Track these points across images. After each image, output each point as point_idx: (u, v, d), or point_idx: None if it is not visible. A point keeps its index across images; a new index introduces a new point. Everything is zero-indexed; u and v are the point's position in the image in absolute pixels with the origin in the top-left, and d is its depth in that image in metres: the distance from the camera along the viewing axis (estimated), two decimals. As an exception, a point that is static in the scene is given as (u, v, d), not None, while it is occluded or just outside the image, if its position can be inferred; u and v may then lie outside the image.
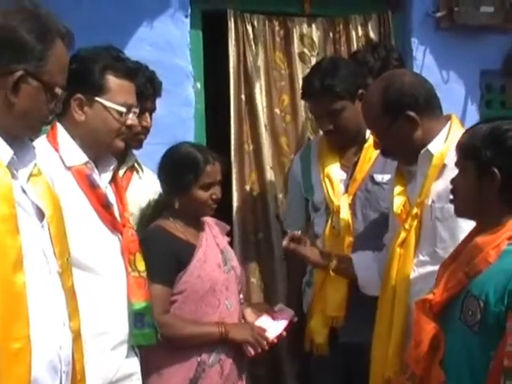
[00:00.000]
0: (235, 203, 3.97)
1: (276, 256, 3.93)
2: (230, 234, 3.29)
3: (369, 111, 2.79)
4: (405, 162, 2.83)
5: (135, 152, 3.18)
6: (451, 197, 2.33)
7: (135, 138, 2.97)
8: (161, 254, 2.87)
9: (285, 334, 3.06)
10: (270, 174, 3.99)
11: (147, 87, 3.02)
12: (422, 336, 2.22)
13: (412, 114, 2.68)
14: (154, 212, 3.10)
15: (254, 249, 3.97)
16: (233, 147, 3.95)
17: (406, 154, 2.76)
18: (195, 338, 2.92)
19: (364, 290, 3.05)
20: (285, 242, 3.12)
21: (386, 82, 2.78)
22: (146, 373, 2.80)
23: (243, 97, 3.96)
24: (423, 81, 2.83)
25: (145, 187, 3.11)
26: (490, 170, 2.14)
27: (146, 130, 3.09)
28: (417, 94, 2.71)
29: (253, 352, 2.97)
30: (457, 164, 2.30)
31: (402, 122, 2.69)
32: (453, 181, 2.31)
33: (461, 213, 2.32)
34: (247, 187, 3.98)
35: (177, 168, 3.00)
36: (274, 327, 3.06)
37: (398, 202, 2.79)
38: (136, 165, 3.16)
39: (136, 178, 3.15)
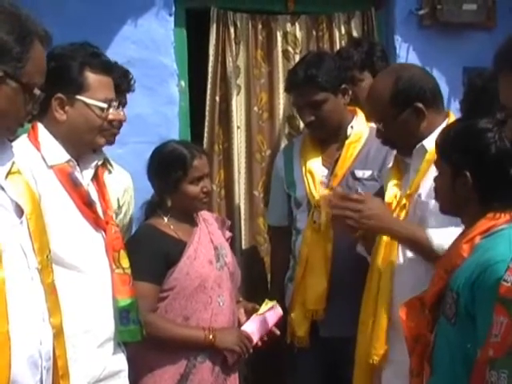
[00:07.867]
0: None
1: (238, 255, 3.89)
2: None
3: (376, 101, 2.80)
4: (404, 153, 2.84)
5: (119, 150, 3.16)
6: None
7: (110, 132, 2.95)
8: (149, 252, 2.88)
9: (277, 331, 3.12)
10: (238, 174, 3.97)
11: (122, 81, 3.03)
12: (406, 333, 2.28)
13: (420, 105, 2.72)
14: (145, 213, 3.12)
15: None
16: (205, 146, 3.92)
17: (407, 145, 2.78)
18: (178, 340, 2.92)
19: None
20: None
21: (396, 73, 2.80)
22: (138, 371, 2.82)
23: (217, 98, 3.96)
24: (430, 75, 2.87)
25: (115, 183, 3.10)
26: (462, 173, 2.19)
27: (120, 125, 3.08)
28: (425, 87, 2.75)
29: (234, 358, 2.98)
30: (435, 163, 2.34)
31: (410, 113, 2.72)
32: (435, 180, 2.35)
33: (443, 211, 2.37)
34: (213, 186, 3.93)
35: (165, 166, 3.02)
36: (260, 328, 3.07)
37: (391, 193, 2.82)
38: (106, 161, 3.16)
39: (106, 174, 3.14)
